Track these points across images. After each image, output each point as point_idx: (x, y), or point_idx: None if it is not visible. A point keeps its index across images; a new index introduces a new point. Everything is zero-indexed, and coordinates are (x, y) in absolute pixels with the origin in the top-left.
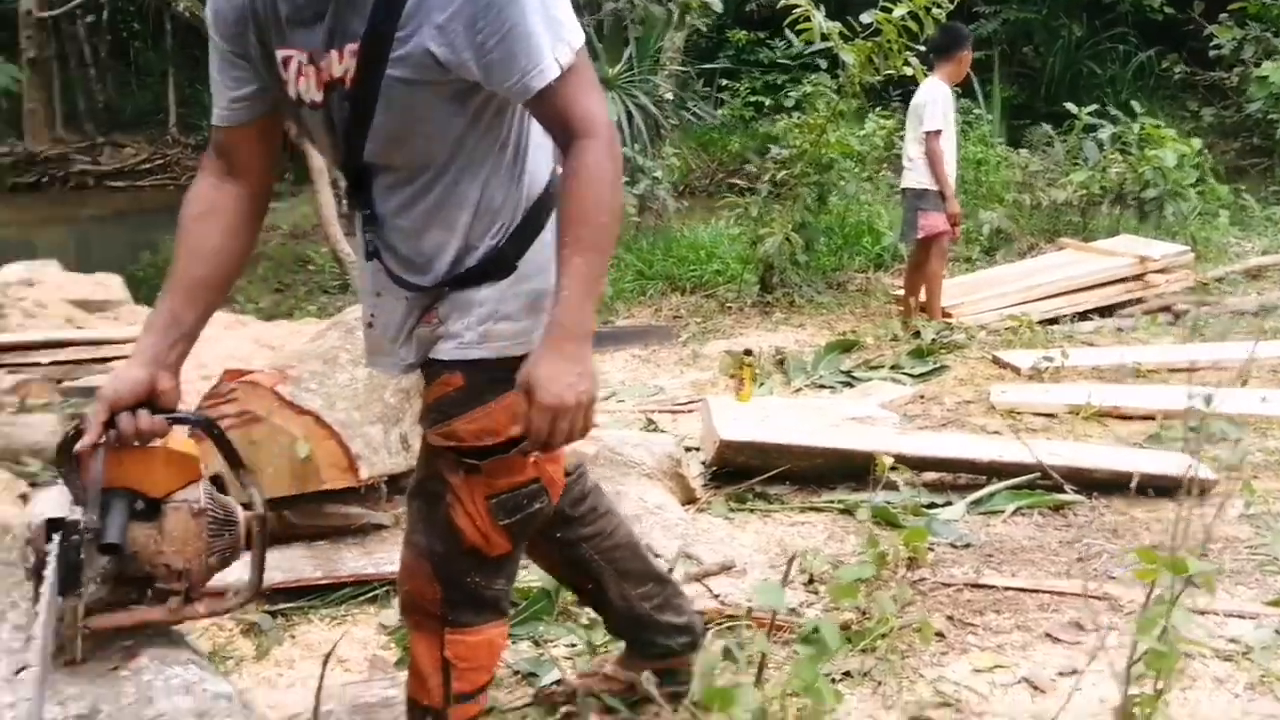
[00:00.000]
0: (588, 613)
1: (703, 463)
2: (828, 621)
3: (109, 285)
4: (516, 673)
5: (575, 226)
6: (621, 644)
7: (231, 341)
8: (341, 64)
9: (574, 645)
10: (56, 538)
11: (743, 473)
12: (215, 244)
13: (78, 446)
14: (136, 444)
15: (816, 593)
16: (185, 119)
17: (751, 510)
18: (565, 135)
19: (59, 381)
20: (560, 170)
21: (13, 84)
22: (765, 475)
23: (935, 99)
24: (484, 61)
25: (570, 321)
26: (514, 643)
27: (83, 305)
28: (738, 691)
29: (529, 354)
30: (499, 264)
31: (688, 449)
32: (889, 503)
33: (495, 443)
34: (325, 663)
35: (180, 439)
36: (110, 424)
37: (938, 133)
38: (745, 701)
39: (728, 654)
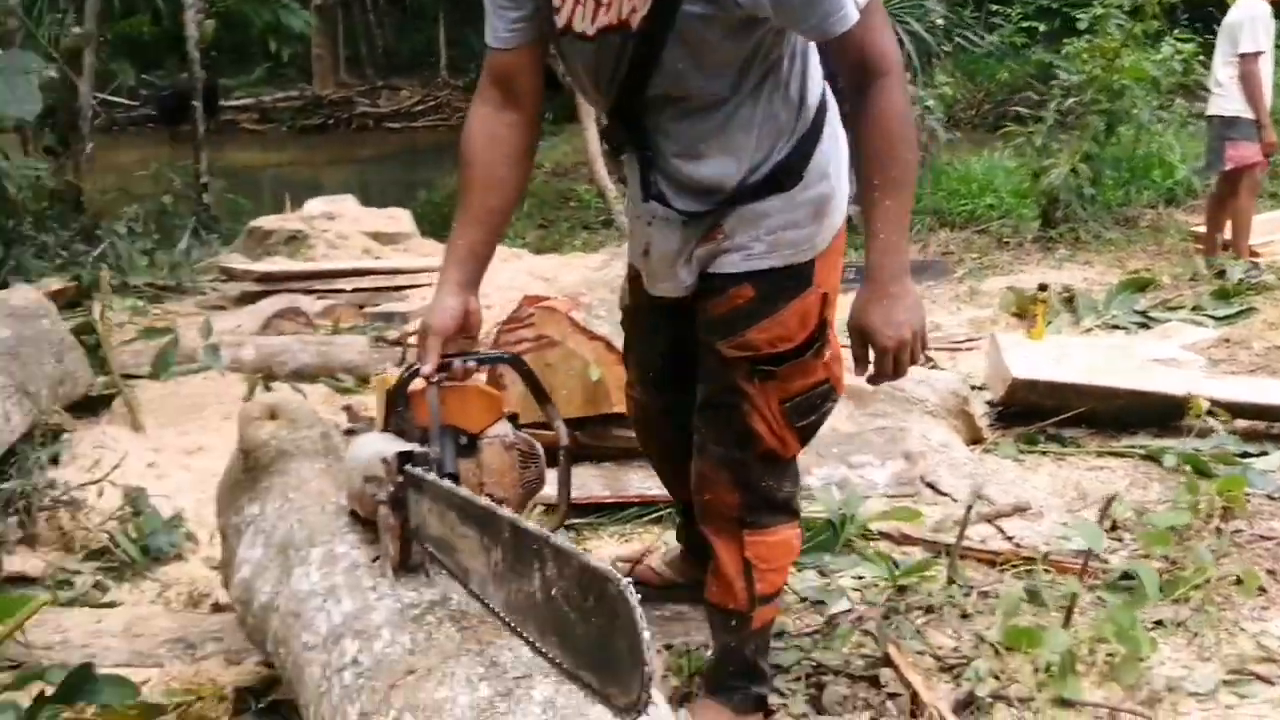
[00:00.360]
0: (873, 544)
1: (988, 402)
2: (1146, 567)
3: (399, 219)
4: (804, 599)
5: (883, 167)
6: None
7: (507, 273)
8: (630, 2)
9: (860, 577)
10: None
11: (1033, 413)
12: (501, 174)
13: (413, 386)
14: (456, 383)
15: (1121, 540)
16: (455, 62)
17: (1043, 453)
18: (861, 74)
19: (361, 307)
20: (857, 108)
21: (306, 27)
22: (1059, 417)
23: (1255, 17)
24: (783, 4)
25: (891, 264)
26: (800, 570)
27: (376, 237)
28: (1045, 633)
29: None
30: (787, 174)
31: (973, 388)
32: (1198, 450)
33: (789, 348)
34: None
35: (482, 379)
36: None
37: (1256, 55)
38: (1054, 643)
39: (1033, 596)
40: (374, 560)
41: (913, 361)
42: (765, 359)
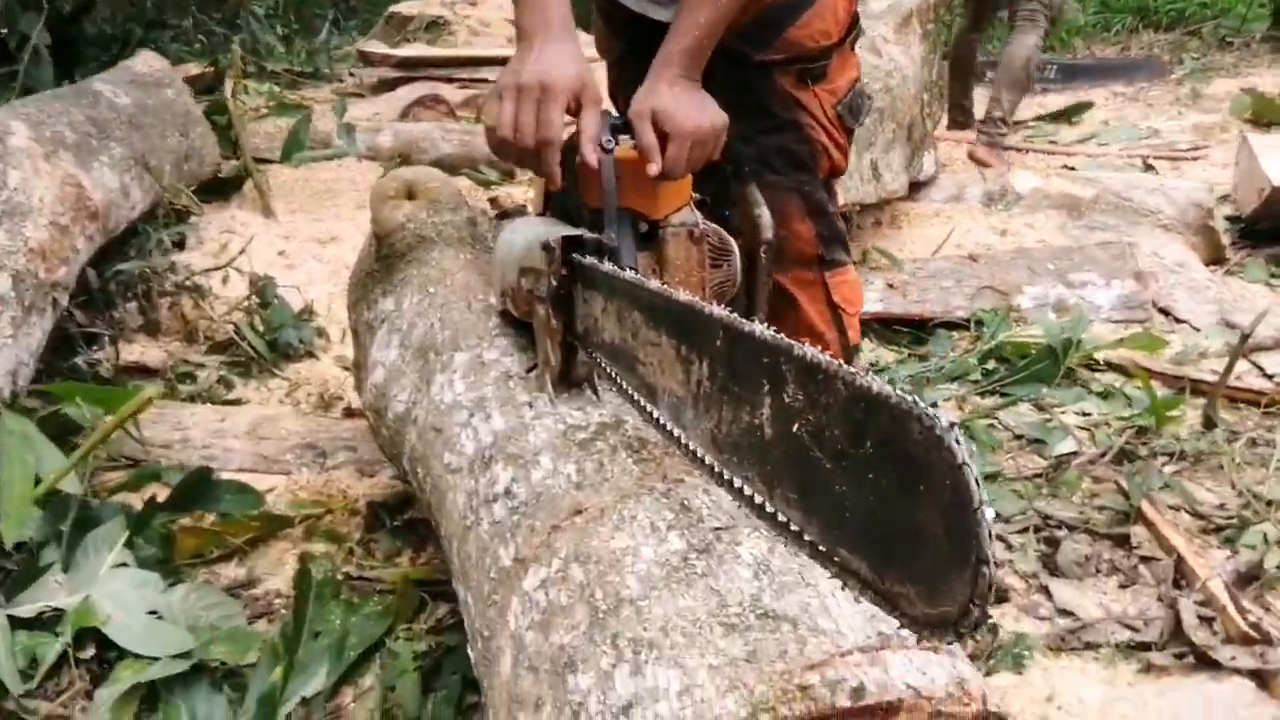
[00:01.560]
0: (1100, 377)
1: (1229, 216)
2: None
3: None
4: (1019, 436)
5: None
6: None
7: None
8: None
9: (1086, 414)
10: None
11: None
12: None
13: (581, 157)
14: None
15: None
16: None
17: None
18: None
19: None
20: None
21: None
22: None
23: None
24: None
25: (688, 53)
26: (1012, 404)
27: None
28: None
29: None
30: None
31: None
32: None
33: (831, 43)
34: None
35: None
36: (611, 131)
37: None
38: None
39: None
40: (529, 370)
41: (705, 162)
42: (811, 57)
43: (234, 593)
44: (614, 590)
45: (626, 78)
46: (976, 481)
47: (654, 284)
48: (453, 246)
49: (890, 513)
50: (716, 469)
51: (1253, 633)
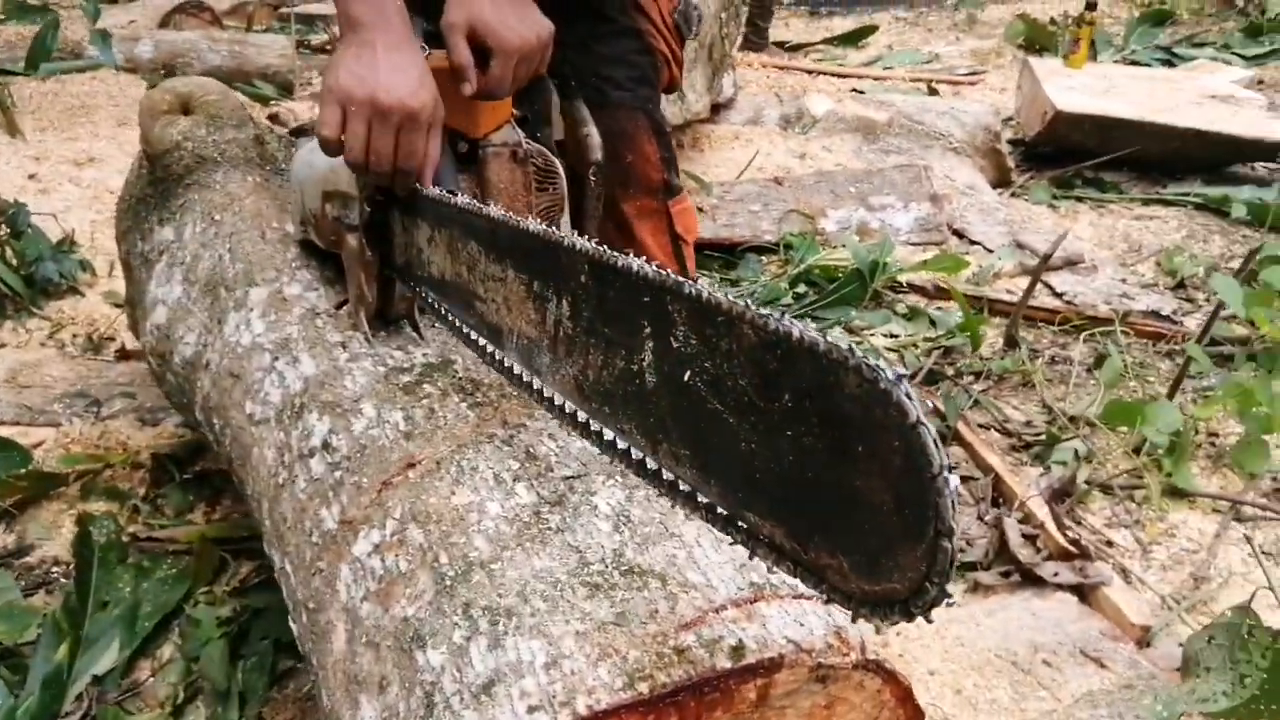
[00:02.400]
0: (903, 299)
1: (1013, 140)
2: None
3: None
4: None
5: None
6: None
7: None
8: None
9: (894, 335)
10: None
11: (1066, 154)
12: None
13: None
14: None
15: (1191, 300)
16: None
17: (1080, 199)
18: None
19: (276, 7)
20: None
21: None
22: (1098, 159)
23: None
24: None
25: None
26: (823, 326)
27: None
28: (1151, 408)
29: None
30: None
31: None
32: (1261, 200)
33: None
34: None
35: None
36: (423, 39)
37: None
38: (1163, 420)
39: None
40: (339, 306)
41: (530, 78)
42: None
43: (3, 563)
44: (460, 553)
45: None
46: (935, 444)
47: (495, 210)
48: (239, 168)
49: (819, 477)
50: (583, 419)
51: (1072, 548)
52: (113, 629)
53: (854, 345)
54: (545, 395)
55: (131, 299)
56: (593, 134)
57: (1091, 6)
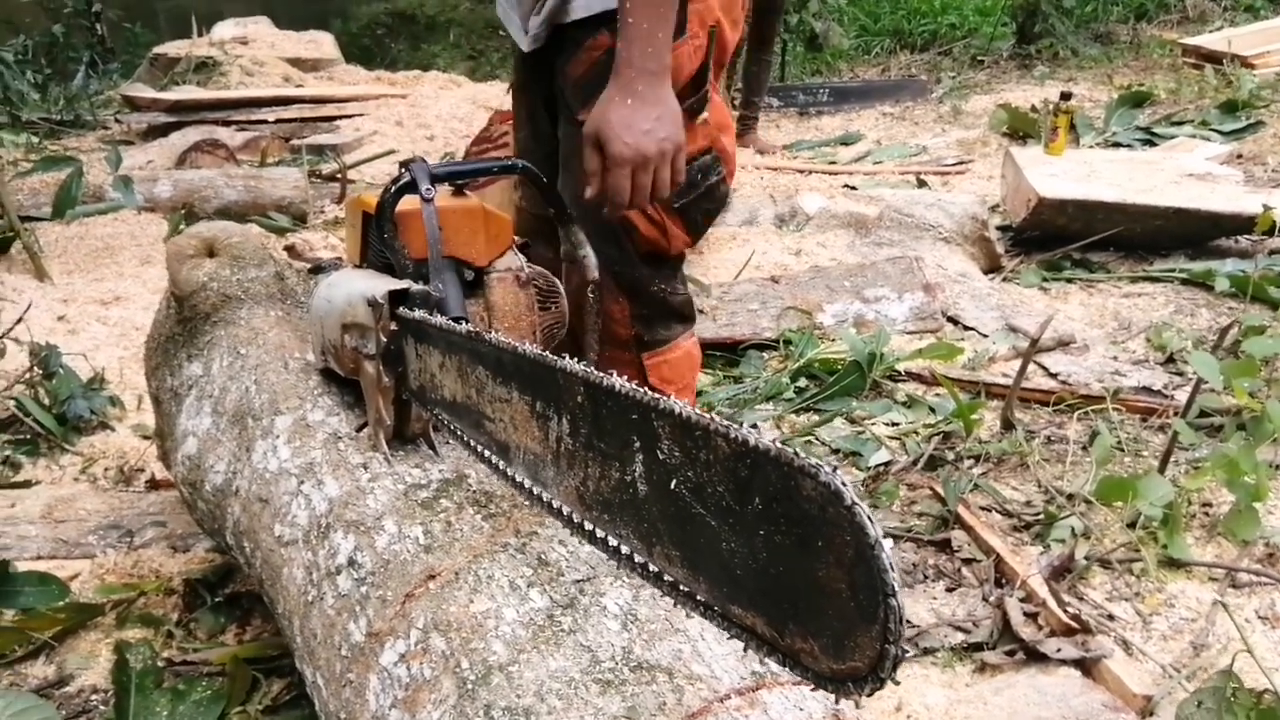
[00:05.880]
0: (901, 387)
1: (1001, 226)
2: (1274, 401)
3: (321, 43)
4: (836, 450)
5: None
6: None
7: (449, 101)
8: None
9: (894, 424)
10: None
11: (1053, 238)
12: None
13: (401, 205)
14: (458, 200)
15: (1181, 374)
16: None
17: (1069, 280)
18: None
19: (288, 140)
20: None
21: None
22: (1084, 241)
23: None
24: None
25: (638, 55)
26: (826, 421)
27: (296, 64)
28: (1143, 482)
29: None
30: None
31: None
32: (1243, 272)
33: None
34: None
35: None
36: (430, 180)
37: None
38: (1155, 493)
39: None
40: (359, 429)
41: (655, 194)
42: None
43: (45, 693)
44: (480, 658)
45: (518, 108)
46: (869, 519)
47: (498, 337)
48: (261, 304)
49: (786, 568)
50: (587, 526)
51: (1073, 624)
52: None
53: (798, 450)
54: (552, 505)
55: (162, 431)
56: (589, 255)
57: (1066, 97)
